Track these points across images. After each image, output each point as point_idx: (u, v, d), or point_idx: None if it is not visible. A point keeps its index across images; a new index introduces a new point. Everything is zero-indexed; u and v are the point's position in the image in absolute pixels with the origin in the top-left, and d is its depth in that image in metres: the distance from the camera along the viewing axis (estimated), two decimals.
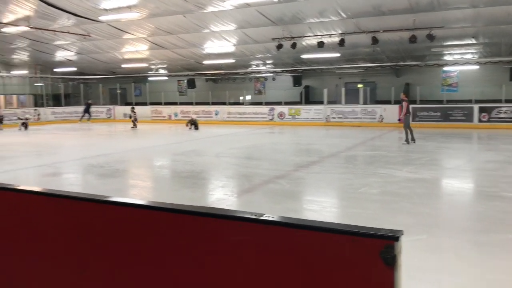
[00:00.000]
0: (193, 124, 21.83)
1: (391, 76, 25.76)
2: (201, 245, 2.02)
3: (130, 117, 23.50)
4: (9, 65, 30.47)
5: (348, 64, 24.95)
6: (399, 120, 15.06)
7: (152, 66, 29.75)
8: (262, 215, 1.93)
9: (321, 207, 7.00)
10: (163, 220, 2.14)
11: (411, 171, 9.68)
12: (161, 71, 31.22)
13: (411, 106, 21.69)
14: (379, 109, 22.59)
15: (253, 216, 1.91)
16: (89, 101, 28.81)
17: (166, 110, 28.17)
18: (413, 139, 14.43)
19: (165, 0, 15.89)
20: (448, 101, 22.23)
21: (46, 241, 2.67)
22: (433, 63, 23.59)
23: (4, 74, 29.05)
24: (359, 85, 25.90)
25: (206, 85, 31.31)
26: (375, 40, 18.28)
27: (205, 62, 26.23)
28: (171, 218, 2.11)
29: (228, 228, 1.93)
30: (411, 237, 5.02)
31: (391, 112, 22.01)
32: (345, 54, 22.72)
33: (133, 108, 24.16)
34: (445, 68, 23.89)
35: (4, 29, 19.20)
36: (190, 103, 28.30)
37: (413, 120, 21.41)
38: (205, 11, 17.13)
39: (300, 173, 9.76)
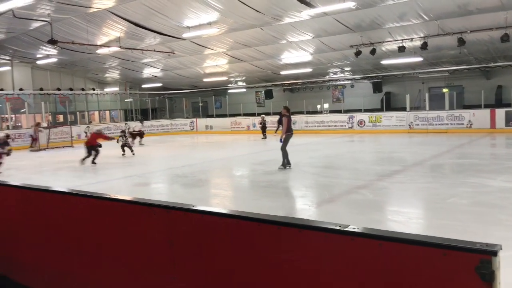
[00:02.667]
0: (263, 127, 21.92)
1: (480, 79, 24.09)
2: (286, 255, 2.04)
3: (118, 141, 17.43)
4: (103, 83, 33.17)
5: (432, 68, 23.78)
6: (281, 140, 11.66)
7: (231, 79, 30.66)
8: (346, 226, 1.91)
9: (407, 218, 6.71)
10: (248, 229, 2.19)
11: (507, 180, 8.94)
12: (240, 83, 32.05)
13: (505, 110, 20.20)
14: (467, 114, 21.19)
15: (338, 227, 1.90)
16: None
17: (245, 121, 28.79)
18: (289, 163, 11.64)
19: (243, 15, 16.34)
20: None
21: (138, 247, 2.85)
22: None
23: (98, 91, 31.62)
24: (445, 90, 24.54)
25: (283, 95, 31.55)
26: (461, 42, 17.24)
27: (282, 72, 26.47)
28: (255, 228, 2.15)
29: (313, 238, 1.93)
30: (508, 252, 4.63)
31: (482, 117, 20.58)
32: (428, 58, 21.70)
33: (123, 131, 18.14)
34: None
35: (99, 51, 20.94)
36: (268, 114, 28.66)
37: (507, 124, 19.93)
38: (282, 22, 17.33)
39: (383, 182, 9.44)
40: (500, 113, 20.32)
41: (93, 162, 14.10)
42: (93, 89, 31.45)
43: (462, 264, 1.64)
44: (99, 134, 14.79)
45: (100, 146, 14.44)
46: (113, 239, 3.03)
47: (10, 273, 3.92)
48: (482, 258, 1.59)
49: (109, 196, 3.17)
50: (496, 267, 1.57)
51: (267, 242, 2.11)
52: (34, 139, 21.64)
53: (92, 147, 14.24)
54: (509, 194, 7.64)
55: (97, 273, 3.12)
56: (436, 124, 21.67)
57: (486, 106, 21.43)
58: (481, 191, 8.03)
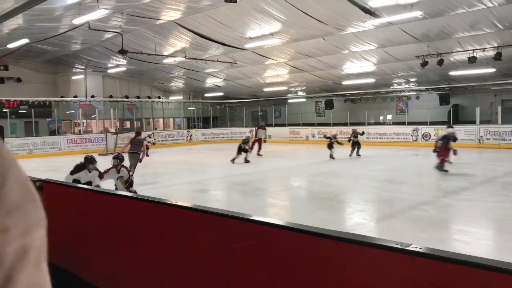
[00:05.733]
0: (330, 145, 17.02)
1: None
2: (343, 271, 1.99)
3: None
4: (168, 92, 34.50)
5: (506, 79, 22.35)
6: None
7: (291, 89, 30.68)
8: (408, 245, 1.83)
9: (474, 238, 6.31)
10: (305, 242, 2.16)
11: None
12: (300, 93, 32.00)
13: None
14: None
15: (399, 246, 1.83)
16: None
17: (304, 131, 28.62)
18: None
19: (306, 25, 16.34)
20: None
21: (196, 253, 2.91)
22: None
23: (163, 100, 32.91)
24: None
25: (344, 106, 31.05)
26: None
27: (344, 82, 26.09)
28: (313, 242, 2.12)
29: (372, 256, 1.87)
30: None
31: None
32: (502, 69, 20.44)
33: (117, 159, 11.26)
34: None
35: (165, 61, 21.83)
36: (328, 124, 28.32)
37: None
38: (345, 32, 17.12)
39: (448, 199, 8.98)
40: None
41: None
42: (159, 97, 32.79)
43: None
44: None
45: None
46: (172, 244, 3.11)
47: (79, 271, 4.15)
48: None
49: (170, 202, 3.27)
50: None
51: (324, 257, 2.07)
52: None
53: None
54: None
55: (156, 275, 3.22)
56: (510, 140, 20.32)
57: None
58: None
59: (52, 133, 26.33)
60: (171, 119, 34.77)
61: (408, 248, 1.80)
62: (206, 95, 34.21)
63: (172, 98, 34.24)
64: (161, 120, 33.94)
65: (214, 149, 25.29)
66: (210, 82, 29.95)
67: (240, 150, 16.62)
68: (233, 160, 16.23)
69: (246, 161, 16.51)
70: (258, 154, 18.13)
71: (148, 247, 3.34)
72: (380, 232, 6.80)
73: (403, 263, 1.81)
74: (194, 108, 34.54)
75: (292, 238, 2.20)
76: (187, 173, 14.76)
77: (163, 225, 3.21)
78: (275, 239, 2.32)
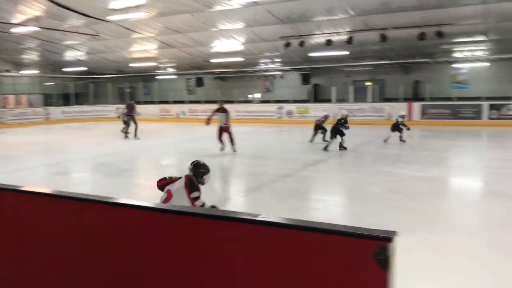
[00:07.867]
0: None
1: (400, 74, 25.57)
2: (199, 246, 2.05)
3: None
4: (19, 65, 30.76)
5: (357, 62, 24.82)
6: None
7: (161, 65, 29.88)
8: (257, 215, 1.94)
9: (325, 205, 7.00)
10: (166, 221, 2.17)
11: (419, 169, 9.62)
12: (170, 70, 31.34)
13: (421, 103, 21.60)
14: (387, 106, 22.47)
15: (249, 217, 1.93)
16: None
17: (174, 109, 28.29)
18: None
19: (173, 0, 15.94)
20: (458, 99, 22.05)
21: (51, 241, 2.71)
22: (443, 60, 23.35)
23: (14, 73, 29.34)
24: (368, 83, 25.76)
25: (215, 84, 31.37)
26: (383, 38, 18.17)
27: (213, 60, 26.25)
28: (173, 220, 2.13)
29: (225, 229, 1.95)
30: (416, 236, 5.00)
31: (400, 109, 21.89)
32: (354, 52, 22.59)
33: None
34: (455, 65, 23.65)
35: (13, 29, 19.39)
36: (198, 102, 28.40)
37: (422, 118, 21.40)
38: (213, 10, 17.15)
39: (307, 171, 9.76)
40: (417, 106, 21.79)
41: None
42: (7, 71, 29.10)
43: (363, 251, 1.74)
44: None
45: None
46: (20, 235, 2.85)
47: None
48: (380, 244, 1.69)
49: (15, 188, 2.97)
50: (391, 253, 1.68)
51: (181, 234, 2.10)
52: None
53: None
54: (419, 182, 8.24)
55: (12, 268, 2.93)
56: (360, 116, 22.72)
57: (404, 100, 22.84)
58: (396, 180, 8.58)
59: None
60: (23, 96, 31.24)
61: (256, 219, 1.91)
62: (66, 69, 31.42)
63: (24, 72, 30.70)
64: (11, 96, 30.27)
65: (76, 128, 23.58)
66: (70, 55, 27.56)
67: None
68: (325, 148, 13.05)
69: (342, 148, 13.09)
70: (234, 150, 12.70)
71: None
72: (246, 204, 7.13)
73: (254, 233, 1.92)
74: (52, 83, 31.51)
75: (152, 218, 2.19)
76: (44, 154, 13.52)
77: (14, 215, 2.91)
78: (137, 221, 2.28)
